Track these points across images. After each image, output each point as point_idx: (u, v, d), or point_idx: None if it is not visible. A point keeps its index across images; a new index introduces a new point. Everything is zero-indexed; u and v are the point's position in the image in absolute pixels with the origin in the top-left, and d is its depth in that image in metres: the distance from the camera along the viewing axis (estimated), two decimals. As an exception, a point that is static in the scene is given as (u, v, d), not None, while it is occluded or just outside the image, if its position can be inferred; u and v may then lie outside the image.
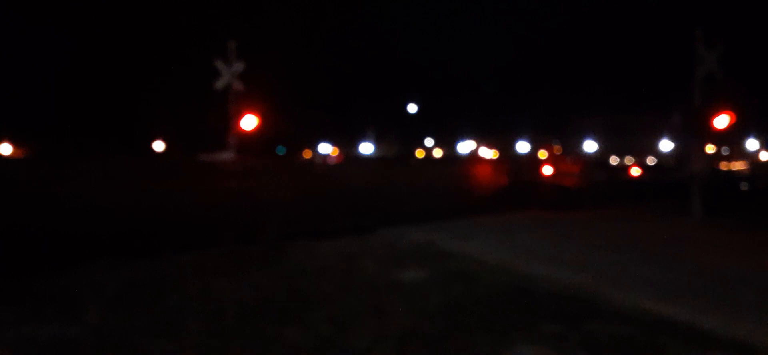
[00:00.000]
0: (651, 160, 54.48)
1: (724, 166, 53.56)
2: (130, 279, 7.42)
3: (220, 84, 14.20)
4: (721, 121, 13.92)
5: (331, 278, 7.55)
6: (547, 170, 21.01)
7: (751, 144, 58.68)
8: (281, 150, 34.45)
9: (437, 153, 58.74)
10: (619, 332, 5.30)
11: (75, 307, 6.16)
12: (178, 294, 6.76)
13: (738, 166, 56.54)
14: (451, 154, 57.60)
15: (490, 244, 10.48)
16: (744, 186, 34.34)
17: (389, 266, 8.28)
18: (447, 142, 59.89)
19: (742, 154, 59.17)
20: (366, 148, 48.11)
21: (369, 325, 5.60)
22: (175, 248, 9.02)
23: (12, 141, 46.49)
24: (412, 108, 39.17)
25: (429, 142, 60.73)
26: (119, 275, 7.56)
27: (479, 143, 59.62)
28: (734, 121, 13.94)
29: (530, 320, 5.66)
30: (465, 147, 57.41)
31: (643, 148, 59.08)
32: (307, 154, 42.54)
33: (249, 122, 14.07)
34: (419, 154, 59.43)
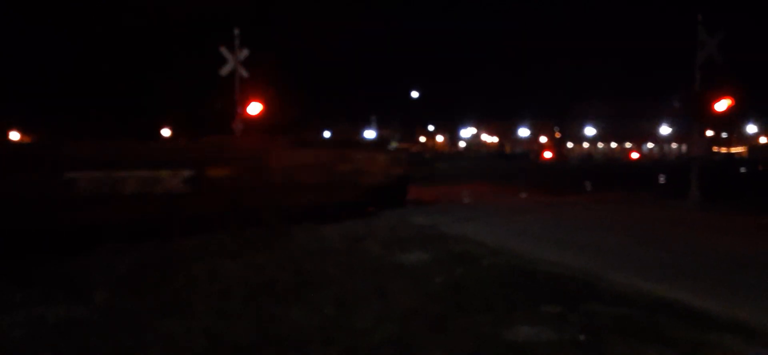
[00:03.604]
0: (650, 145, 54.46)
1: (723, 150, 53.64)
2: (138, 261, 7.51)
3: (225, 70, 14.32)
4: (721, 105, 13.98)
5: (335, 260, 7.62)
6: (548, 154, 21.19)
7: (750, 128, 58.76)
8: None
9: (439, 139, 58.75)
10: (618, 313, 5.33)
11: (83, 289, 6.24)
12: (185, 276, 6.85)
13: (737, 150, 56.65)
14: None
15: (491, 227, 10.58)
16: (742, 170, 34.48)
17: (392, 249, 8.35)
18: (448, 127, 59.87)
19: (741, 138, 59.27)
20: (369, 133, 48.20)
21: (372, 305, 5.66)
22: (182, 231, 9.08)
23: (20, 128, 46.86)
24: (413, 93, 39.31)
25: (430, 127, 60.74)
26: (126, 258, 7.65)
27: (480, 129, 59.55)
28: (734, 105, 14.01)
29: (530, 301, 5.70)
30: (467, 133, 57.42)
31: (643, 133, 59.07)
32: None
33: (254, 108, 14.27)
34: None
